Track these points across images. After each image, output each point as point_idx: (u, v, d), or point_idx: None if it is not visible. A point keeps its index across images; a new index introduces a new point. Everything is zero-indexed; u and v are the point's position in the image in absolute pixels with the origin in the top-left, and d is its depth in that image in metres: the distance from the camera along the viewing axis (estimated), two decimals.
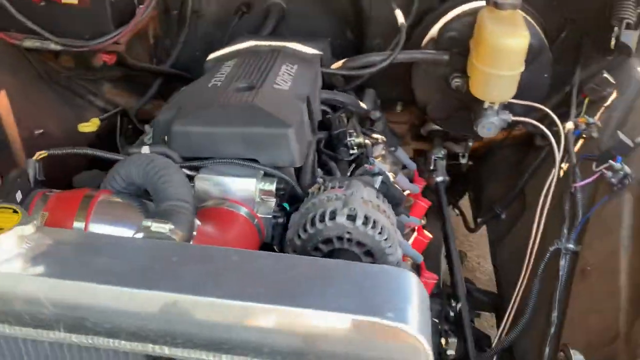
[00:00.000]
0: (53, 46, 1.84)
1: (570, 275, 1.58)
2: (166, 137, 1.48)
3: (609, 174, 1.56)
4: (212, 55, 1.86)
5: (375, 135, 1.85)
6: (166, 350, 0.93)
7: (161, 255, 0.96)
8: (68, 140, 1.84)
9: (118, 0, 1.82)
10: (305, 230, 1.33)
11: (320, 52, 1.84)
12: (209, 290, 0.90)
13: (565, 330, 1.49)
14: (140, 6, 1.89)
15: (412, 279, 0.94)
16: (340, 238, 1.32)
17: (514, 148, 2.25)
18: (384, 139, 1.86)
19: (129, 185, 1.27)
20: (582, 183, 1.63)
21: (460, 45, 1.80)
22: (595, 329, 1.40)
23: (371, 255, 1.34)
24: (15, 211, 0.96)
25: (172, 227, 1.03)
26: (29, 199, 1.20)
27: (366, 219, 1.30)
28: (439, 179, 2.12)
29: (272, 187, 1.40)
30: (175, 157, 1.42)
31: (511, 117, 1.69)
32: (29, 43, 1.85)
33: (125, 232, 1.17)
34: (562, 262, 1.59)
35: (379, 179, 1.51)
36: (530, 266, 1.70)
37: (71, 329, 0.94)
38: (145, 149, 1.42)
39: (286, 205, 1.45)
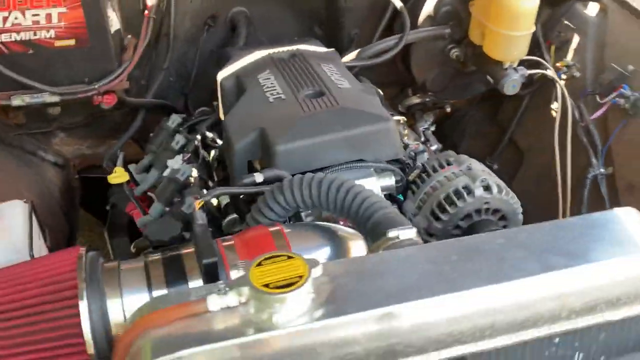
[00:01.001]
0: (49, 98, 1.61)
1: (611, 196, 1.81)
2: (257, 162, 1.40)
3: (621, 101, 1.79)
4: (224, 74, 1.76)
5: (396, 117, 1.91)
6: (475, 347, 0.93)
7: (439, 257, 0.94)
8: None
9: (115, 33, 1.64)
10: (444, 211, 1.37)
11: (332, 49, 1.85)
12: (508, 273, 0.92)
13: None
14: (129, 36, 1.73)
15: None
16: (478, 211, 1.38)
17: (478, 107, 2.45)
18: (404, 118, 1.93)
19: (286, 212, 1.19)
20: (597, 114, 1.87)
21: (455, 17, 1.93)
22: None
23: (504, 218, 1.42)
24: (289, 257, 0.88)
25: (415, 230, 1.01)
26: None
27: (498, 187, 1.38)
28: (434, 147, 2.25)
29: (392, 180, 1.40)
30: (289, 177, 1.36)
31: (527, 72, 1.86)
32: (18, 101, 1.59)
33: (322, 255, 1.11)
34: (602, 187, 1.81)
35: None
36: (567, 198, 1.90)
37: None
38: (259, 176, 1.34)
39: (400, 196, 1.46)
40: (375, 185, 1.37)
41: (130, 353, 0.83)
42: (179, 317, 0.84)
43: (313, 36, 2.17)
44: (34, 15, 1.50)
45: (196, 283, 1.03)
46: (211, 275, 0.99)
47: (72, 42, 1.56)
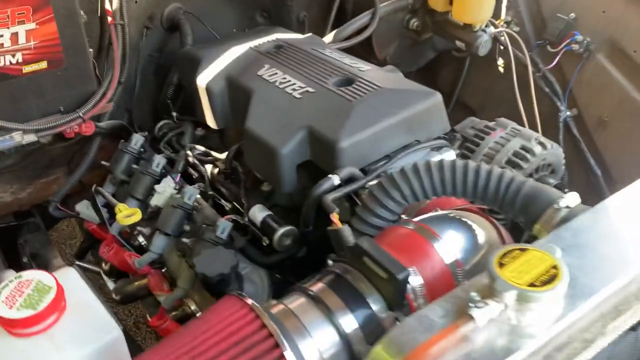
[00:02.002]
0: (25, 138, 1.30)
1: (583, 134, 1.95)
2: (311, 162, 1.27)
3: (575, 47, 1.93)
4: (206, 77, 1.56)
5: None
6: None
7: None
8: None
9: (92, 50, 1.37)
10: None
11: (310, 34, 1.74)
12: None
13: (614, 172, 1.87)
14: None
15: None
16: (536, 169, 1.39)
17: (416, 75, 2.48)
18: None
19: (400, 208, 1.09)
20: (554, 63, 1.99)
21: None
22: None
23: (553, 172, 1.45)
24: (521, 250, 0.80)
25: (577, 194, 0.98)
26: None
27: (545, 143, 1.40)
28: None
29: (454, 154, 1.36)
30: (359, 173, 1.25)
31: (493, 30, 1.91)
32: None
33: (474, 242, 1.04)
34: (573, 128, 1.95)
35: None
36: None
37: None
38: (336, 178, 1.21)
39: None
40: None
41: None
42: (452, 342, 0.73)
43: (256, 24, 2.04)
44: None
45: (375, 300, 0.90)
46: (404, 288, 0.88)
47: (43, 64, 1.27)
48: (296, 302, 0.90)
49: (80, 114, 1.34)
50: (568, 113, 1.98)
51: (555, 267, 0.77)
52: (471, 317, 0.73)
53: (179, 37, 1.84)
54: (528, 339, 0.74)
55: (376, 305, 0.90)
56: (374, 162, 1.29)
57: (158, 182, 1.60)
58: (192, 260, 1.35)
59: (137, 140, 1.66)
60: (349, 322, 0.88)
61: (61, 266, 2.38)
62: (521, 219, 1.02)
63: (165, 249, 1.52)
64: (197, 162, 1.60)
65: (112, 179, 1.70)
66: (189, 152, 1.62)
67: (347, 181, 1.23)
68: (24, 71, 1.26)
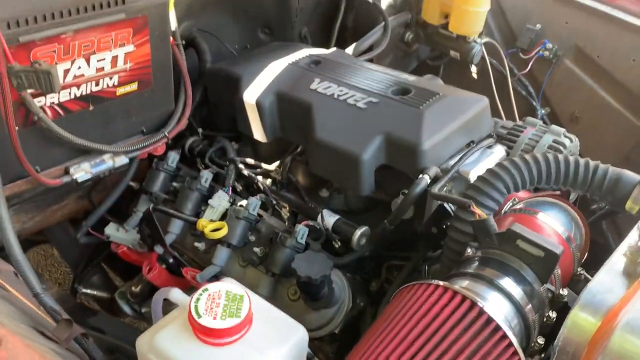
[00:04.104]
0: (117, 162, 1.30)
1: None
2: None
3: (546, 53, 2.21)
4: (253, 93, 1.63)
5: None
6: None
7: None
8: None
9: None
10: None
11: (335, 49, 1.86)
12: None
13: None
14: None
15: None
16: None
17: None
18: None
19: (503, 198, 1.25)
20: (528, 69, 2.25)
21: (408, 3, 2.10)
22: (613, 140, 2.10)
23: None
24: None
25: None
26: None
27: (570, 137, 1.63)
28: None
29: (503, 150, 1.54)
30: (440, 172, 1.39)
31: (483, 41, 2.13)
32: (81, 174, 1.26)
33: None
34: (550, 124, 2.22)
35: None
36: None
37: None
38: (427, 177, 1.34)
39: None
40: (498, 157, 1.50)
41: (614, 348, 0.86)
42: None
43: (258, 40, 2.11)
44: (99, 60, 1.19)
45: (529, 275, 1.05)
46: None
47: (134, 86, 1.29)
48: (464, 282, 1.03)
49: (166, 134, 1.36)
50: (543, 111, 2.26)
51: None
52: None
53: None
54: None
55: (531, 279, 1.05)
56: (444, 161, 1.44)
57: (206, 197, 1.64)
58: (270, 267, 1.43)
59: (174, 158, 1.68)
60: (517, 292, 1.02)
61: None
62: (609, 199, 1.22)
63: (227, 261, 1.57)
64: (251, 174, 1.65)
65: (150, 198, 1.70)
66: (241, 166, 1.67)
67: (432, 180, 1.37)
68: (117, 93, 1.27)
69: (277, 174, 1.66)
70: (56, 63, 1.09)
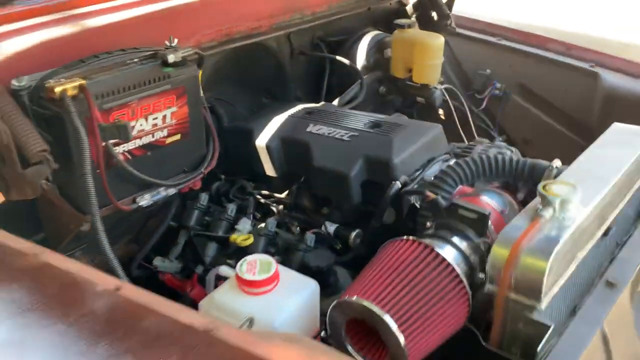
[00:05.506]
0: (169, 192, 1.77)
1: None
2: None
3: (496, 92, 2.72)
4: (263, 139, 2.11)
5: None
6: None
7: None
8: None
9: None
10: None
11: (323, 102, 2.37)
12: None
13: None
14: None
15: None
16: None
17: None
18: None
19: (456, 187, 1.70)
20: (483, 106, 2.76)
21: (379, 63, 2.62)
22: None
23: None
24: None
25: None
26: None
27: (510, 148, 2.10)
28: None
29: None
30: (408, 180, 1.85)
31: (442, 87, 2.64)
32: (145, 201, 1.72)
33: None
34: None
35: None
36: None
37: None
38: (397, 183, 1.80)
39: None
40: None
41: (520, 265, 1.29)
42: (535, 231, 1.33)
43: (262, 104, 2.61)
44: (154, 119, 1.68)
45: (471, 232, 1.48)
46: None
47: (178, 137, 1.77)
48: (427, 240, 1.47)
49: (202, 170, 1.84)
50: (500, 139, 2.73)
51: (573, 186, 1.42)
52: (541, 216, 1.35)
53: None
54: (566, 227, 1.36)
55: (471, 235, 1.48)
56: (412, 173, 1.90)
57: (232, 225, 2.09)
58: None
59: (205, 197, 2.15)
60: (462, 244, 1.45)
61: None
62: (530, 185, 1.67)
63: None
64: (267, 202, 2.11)
65: (189, 232, 2.15)
66: (258, 196, 2.14)
67: (402, 185, 1.83)
68: (166, 142, 1.74)
69: (287, 199, 2.12)
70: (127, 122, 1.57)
